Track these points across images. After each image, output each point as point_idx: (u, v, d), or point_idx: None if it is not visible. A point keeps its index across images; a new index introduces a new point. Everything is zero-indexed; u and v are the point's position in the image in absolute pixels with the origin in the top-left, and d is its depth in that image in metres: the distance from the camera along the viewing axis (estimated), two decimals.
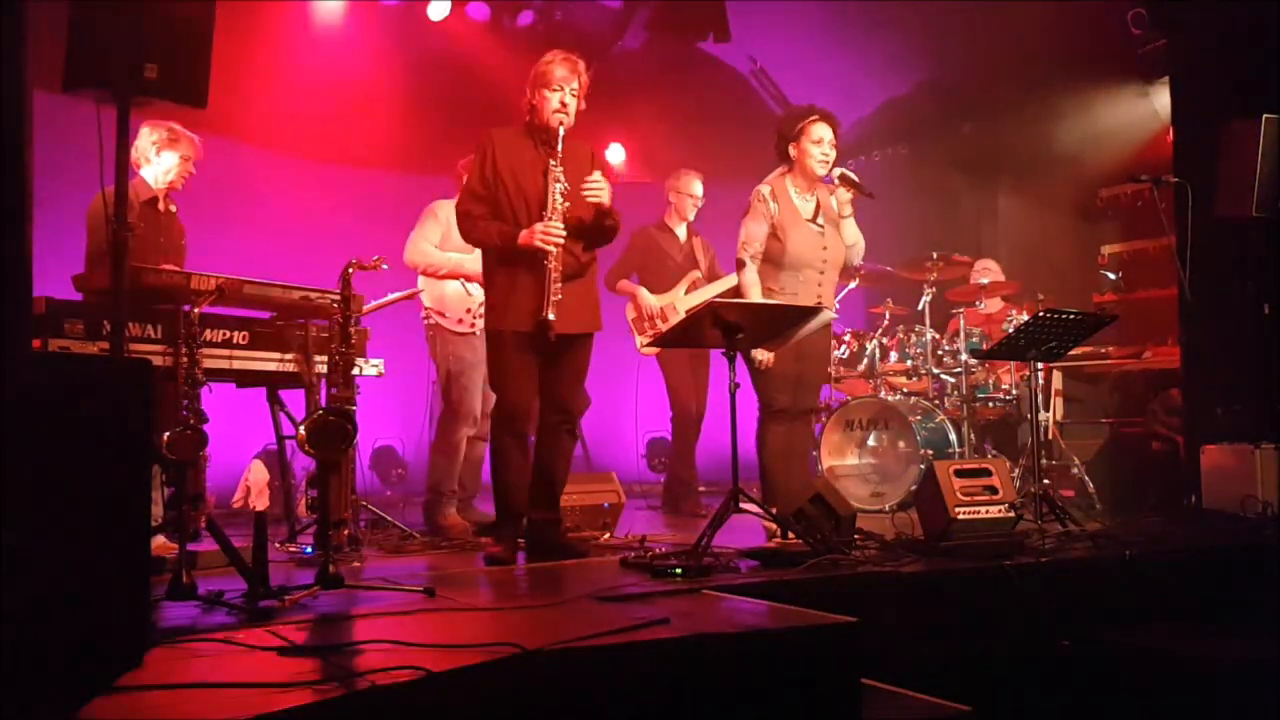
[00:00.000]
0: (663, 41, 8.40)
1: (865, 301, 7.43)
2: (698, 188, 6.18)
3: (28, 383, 2.29)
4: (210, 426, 3.28)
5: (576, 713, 2.33)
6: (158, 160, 4.65)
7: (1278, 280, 5.26)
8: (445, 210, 5.34)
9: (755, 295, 4.60)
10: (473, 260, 4.80)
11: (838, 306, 4.88)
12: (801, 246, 4.66)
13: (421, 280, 5.32)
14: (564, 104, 4.02)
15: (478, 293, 5.06)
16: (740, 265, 4.70)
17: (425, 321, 5.36)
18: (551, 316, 3.90)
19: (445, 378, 5.29)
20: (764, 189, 4.70)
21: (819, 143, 4.65)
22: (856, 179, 4.70)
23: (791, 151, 4.70)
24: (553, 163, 4.00)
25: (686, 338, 4.41)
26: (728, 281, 6.07)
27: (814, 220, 4.72)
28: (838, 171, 4.70)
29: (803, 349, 4.62)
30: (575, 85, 4.05)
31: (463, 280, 5.24)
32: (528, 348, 4.01)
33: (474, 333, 5.17)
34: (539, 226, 3.93)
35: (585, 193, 3.98)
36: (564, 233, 3.95)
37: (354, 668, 2.20)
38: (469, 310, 5.21)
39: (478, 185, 4.04)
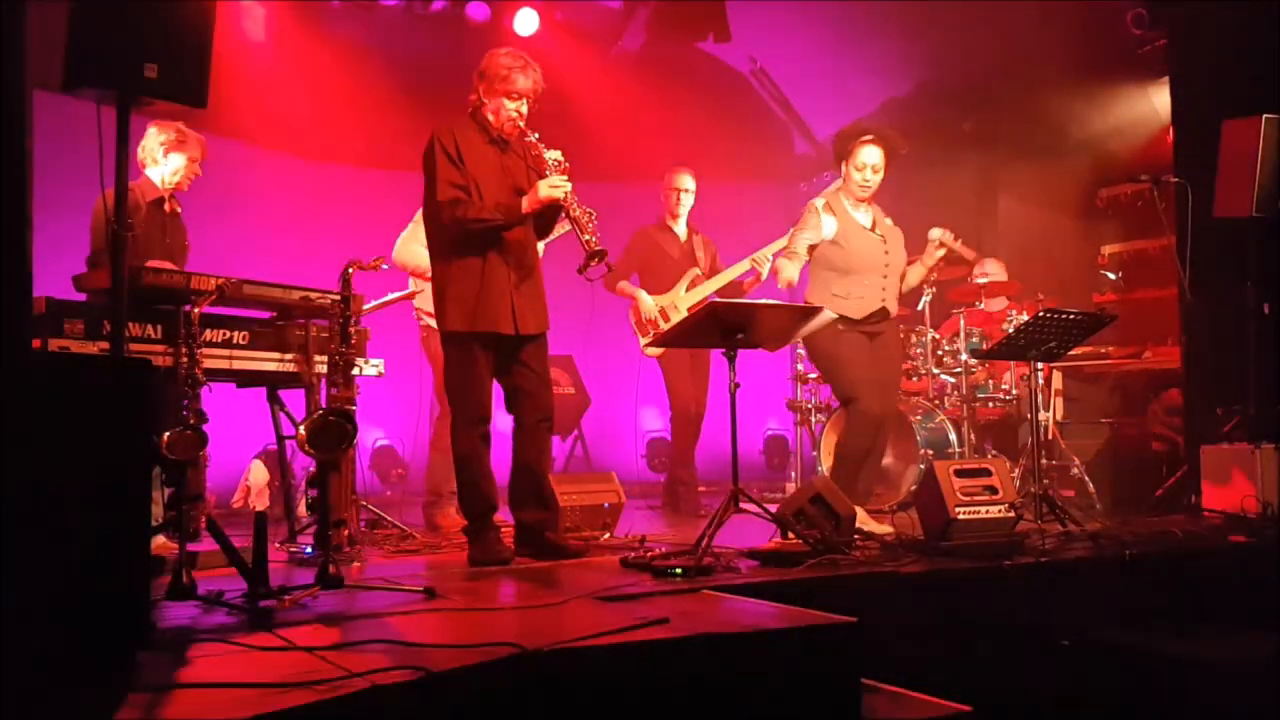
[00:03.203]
0: (663, 41, 8.40)
1: None
2: (685, 181, 6.18)
3: (28, 383, 2.29)
4: (210, 426, 3.28)
5: (576, 713, 2.33)
6: (165, 161, 4.66)
7: (1278, 280, 5.25)
8: None
9: (788, 272, 4.79)
10: None
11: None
12: (864, 252, 4.79)
13: (414, 281, 5.32)
14: (521, 113, 4.08)
15: None
16: (778, 263, 4.94)
17: (418, 323, 5.36)
18: (601, 248, 3.94)
19: (438, 380, 5.30)
20: (818, 202, 4.89)
21: (862, 169, 4.80)
22: (954, 243, 4.78)
23: (843, 168, 4.86)
24: (551, 162, 4.02)
25: (687, 338, 4.42)
26: (729, 275, 6.08)
27: (873, 229, 4.83)
28: (936, 234, 4.82)
29: (876, 350, 4.78)
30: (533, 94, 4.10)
31: None
32: (494, 349, 4.03)
33: None
34: (544, 181, 3.94)
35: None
36: (568, 183, 3.97)
37: (354, 668, 2.20)
38: None
39: (455, 175, 4.00)
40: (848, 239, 4.78)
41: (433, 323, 5.23)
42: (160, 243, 4.61)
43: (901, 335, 6.28)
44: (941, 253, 4.86)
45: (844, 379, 4.76)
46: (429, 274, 5.17)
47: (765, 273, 5.81)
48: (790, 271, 4.80)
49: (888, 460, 5.88)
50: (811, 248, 4.84)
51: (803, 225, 4.86)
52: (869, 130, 4.80)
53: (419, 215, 5.34)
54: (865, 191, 4.81)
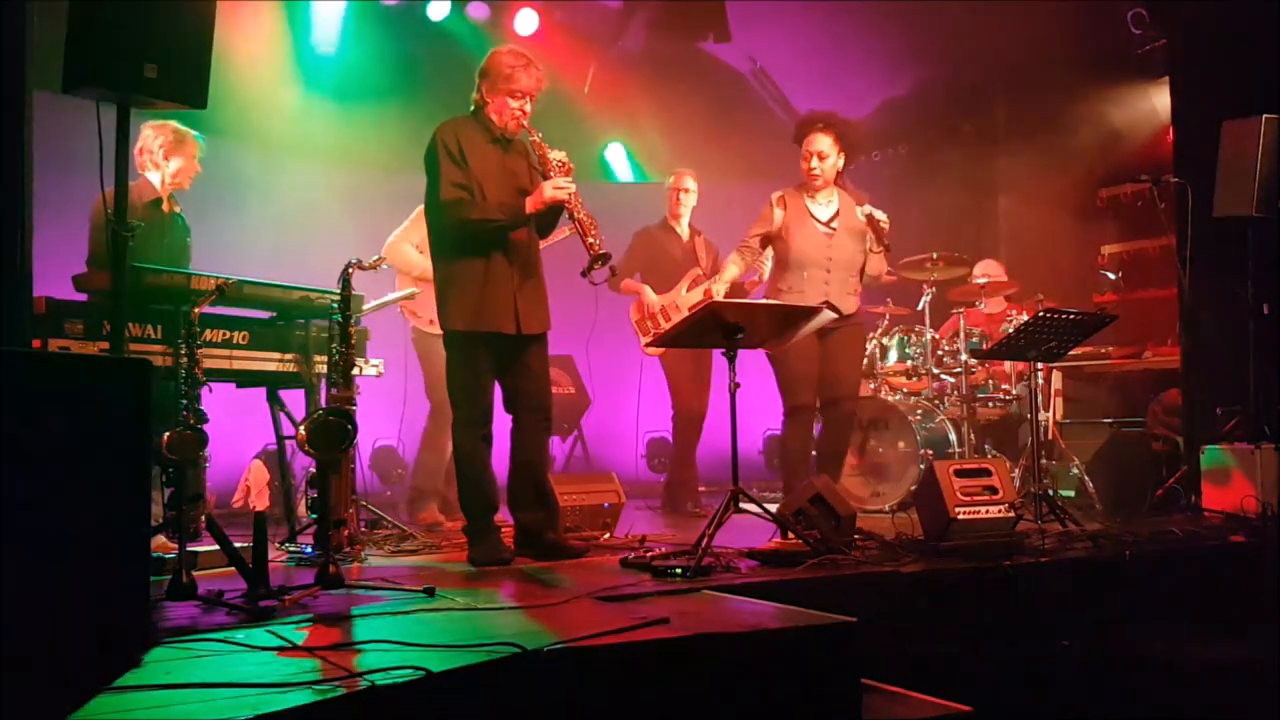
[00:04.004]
0: (663, 41, 8.40)
1: (865, 301, 7.43)
2: (686, 181, 6.20)
3: (27, 383, 2.29)
4: (210, 426, 3.29)
5: (576, 713, 2.33)
6: (165, 164, 4.65)
7: (1278, 280, 5.25)
8: None
9: (726, 275, 4.97)
10: None
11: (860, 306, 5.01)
12: (806, 246, 4.79)
13: (400, 280, 5.33)
14: (525, 112, 4.07)
15: None
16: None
17: (407, 323, 5.37)
18: (604, 251, 3.93)
19: (426, 378, 5.30)
20: (773, 195, 4.92)
21: (808, 157, 4.86)
22: (878, 221, 4.77)
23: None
24: (555, 162, 4.01)
25: (687, 337, 4.42)
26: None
27: (828, 223, 4.79)
28: (865, 210, 4.82)
29: (828, 348, 4.76)
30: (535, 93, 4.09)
31: None
32: (496, 349, 4.03)
33: None
34: (548, 182, 3.94)
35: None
36: (572, 185, 3.96)
37: (354, 668, 2.20)
38: None
39: (458, 175, 3.99)
40: (790, 232, 4.82)
41: (415, 322, 5.25)
42: (158, 244, 4.60)
43: (901, 333, 6.29)
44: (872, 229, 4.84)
45: (782, 374, 4.83)
46: (414, 273, 5.20)
47: (766, 272, 5.82)
48: (730, 270, 4.96)
49: (888, 460, 5.89)
50: (764, 240, 4.91)
51: (758, 218, 4.94)
52: (817, 118, 4.83)
53: (415, 214, 5.35)
54: (815, 180, 4.84)
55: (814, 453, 5.05)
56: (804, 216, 4.82)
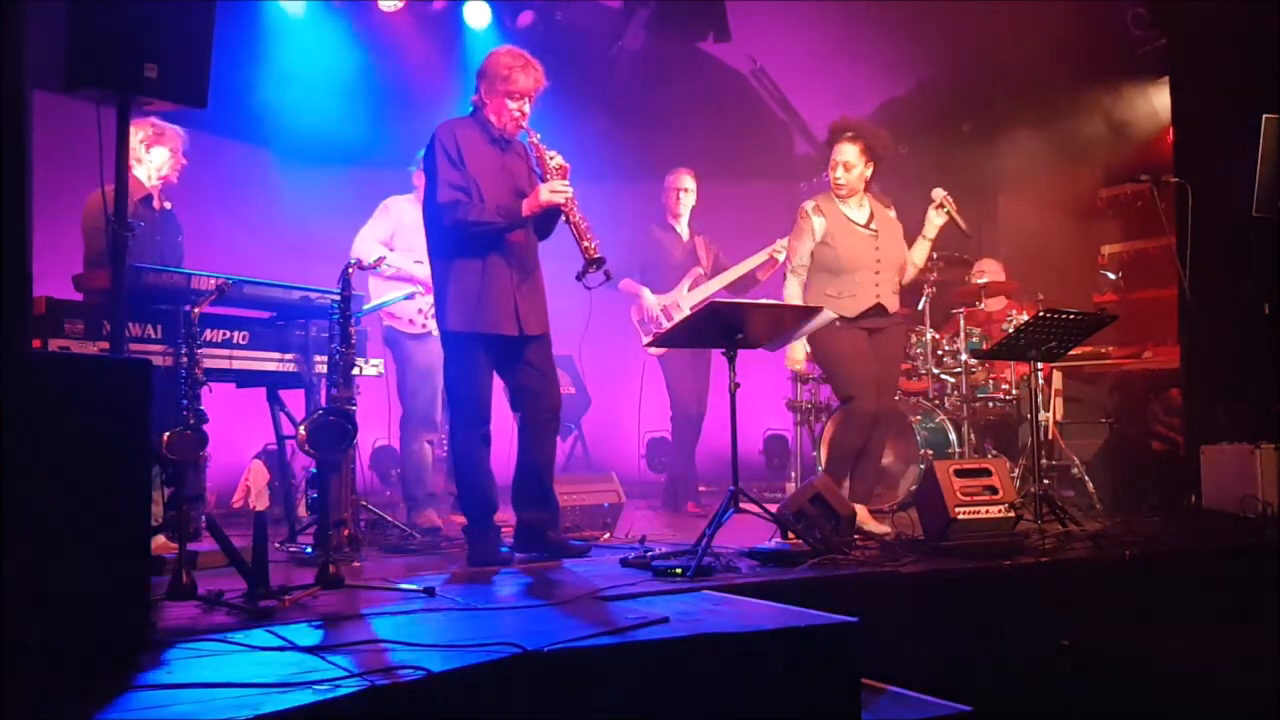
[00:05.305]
0: (663, 41, 8.40)
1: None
2: (685, 180, 6.20)
3: (27, 383, 2.29)
4: (210, 426, 3.29)
5: (576, 713, 2.34)
6: (148, 157, 4.63)
7: (1278, 280, 5.25)
8: (398, 207, 5.30)
9: (792, 291, 4.82)
10: (422, 266, 4.73)
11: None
12: (854, 251, 4.77)
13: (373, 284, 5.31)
14: (523, 113, 4.07)
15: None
16: (785, 279, 4.91)
17: (382, 323, 5.36)
18: (599, 255, 3.91)
19: (399, 380, 5.28)
20: (807, 205, 4.87)
21: (835, 166, 4.81)
22: (953, 208, 4.76)
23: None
24: (553, 165, 4.02)
25: (687, 337, 4.42)
26: (731, 275, 6.09)
27: (867, 225, 4.80)
28: (939, 193, 4.80)
29: (876, 349, 4.76)
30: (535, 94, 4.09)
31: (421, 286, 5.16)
32: (495, 350, 4.03)
33: (427, 333, 5.12)
34: (545, 185, 3.94)
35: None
36: (569, 188, 3.96)
37: (354, 668, 2.20)
38: (420, 310, 5.17)
39: (455, 177, 3.99)
40: (836, 239, 4.77)
41: (391, 322, 5.23)
42: (151, 241, 4.58)
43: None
44: (941, 219, 4.81)
45: (842, 377, 4.77)
46: (386, 273, 5.18)
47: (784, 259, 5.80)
48: (794, 290, 4.82)
49: (888, 460, 5.88)
50: (812, 253, 4.84)
51: (798, 233, 4.85)
52: (847, 127, 4.80)
53: (379, 209, 5.34)
54: (841, 189, 4.81)
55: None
56: (844, 221, 4.79)
